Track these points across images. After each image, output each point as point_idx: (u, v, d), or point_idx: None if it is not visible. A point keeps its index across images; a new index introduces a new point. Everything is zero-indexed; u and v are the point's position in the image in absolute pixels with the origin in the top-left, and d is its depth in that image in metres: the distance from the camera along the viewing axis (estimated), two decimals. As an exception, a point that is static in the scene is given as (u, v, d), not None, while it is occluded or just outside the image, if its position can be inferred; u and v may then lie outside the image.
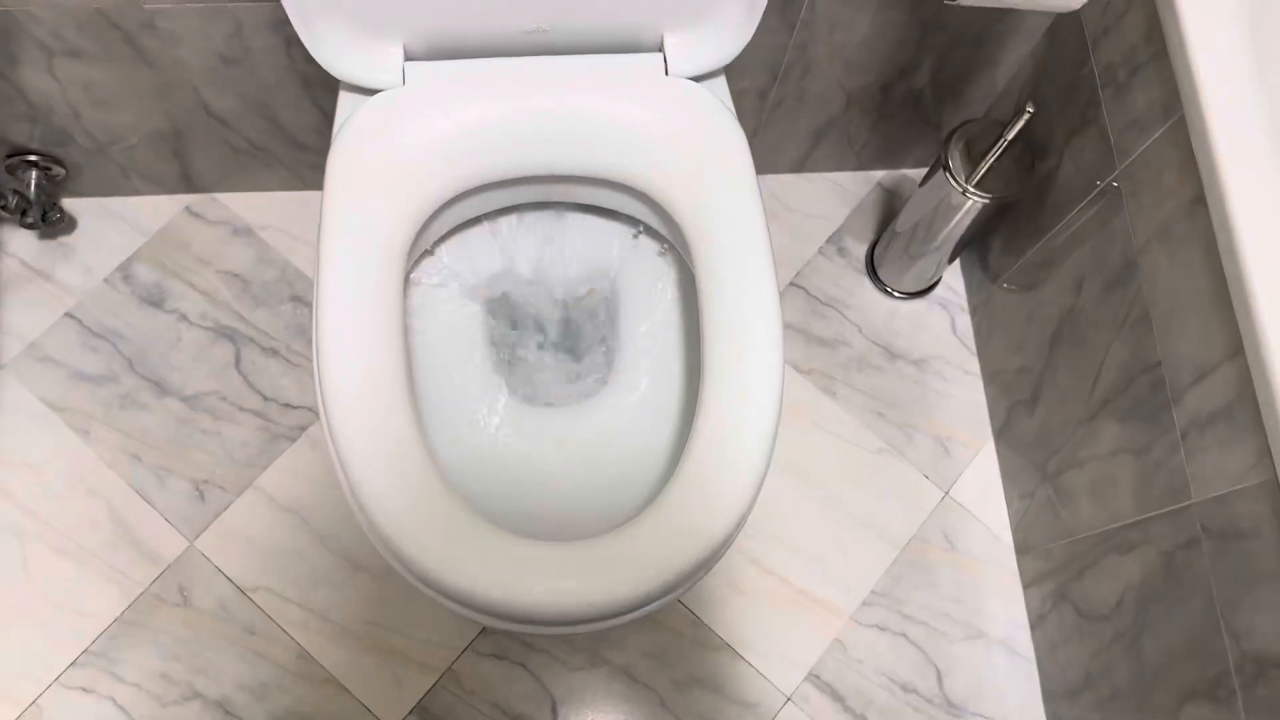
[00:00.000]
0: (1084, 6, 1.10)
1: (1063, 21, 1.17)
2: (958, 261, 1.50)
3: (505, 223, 1.10)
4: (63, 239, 1.41)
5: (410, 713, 1.23)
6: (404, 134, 0.95)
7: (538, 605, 0.80)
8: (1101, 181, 1.09)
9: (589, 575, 0.81)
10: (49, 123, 1.24)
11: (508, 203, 1.06)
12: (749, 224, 0.95)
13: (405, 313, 1.03)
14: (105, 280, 1.39)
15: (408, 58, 0.97)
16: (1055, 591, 1.24)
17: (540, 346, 1.12)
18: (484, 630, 1.27)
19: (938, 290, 1.49)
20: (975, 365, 1.45)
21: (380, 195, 0.93)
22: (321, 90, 1.22)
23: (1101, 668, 1.13)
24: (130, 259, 1.41)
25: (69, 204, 1.42)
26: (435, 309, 1.07)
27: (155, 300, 1.39)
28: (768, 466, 0.88)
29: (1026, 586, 1.32)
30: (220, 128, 1.28)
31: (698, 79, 1.00)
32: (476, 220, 1.09)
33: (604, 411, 1.06)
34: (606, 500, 1.01)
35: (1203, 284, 0.92)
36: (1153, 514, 1.02)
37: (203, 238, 1.43)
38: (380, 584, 1.28)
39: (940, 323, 1.47)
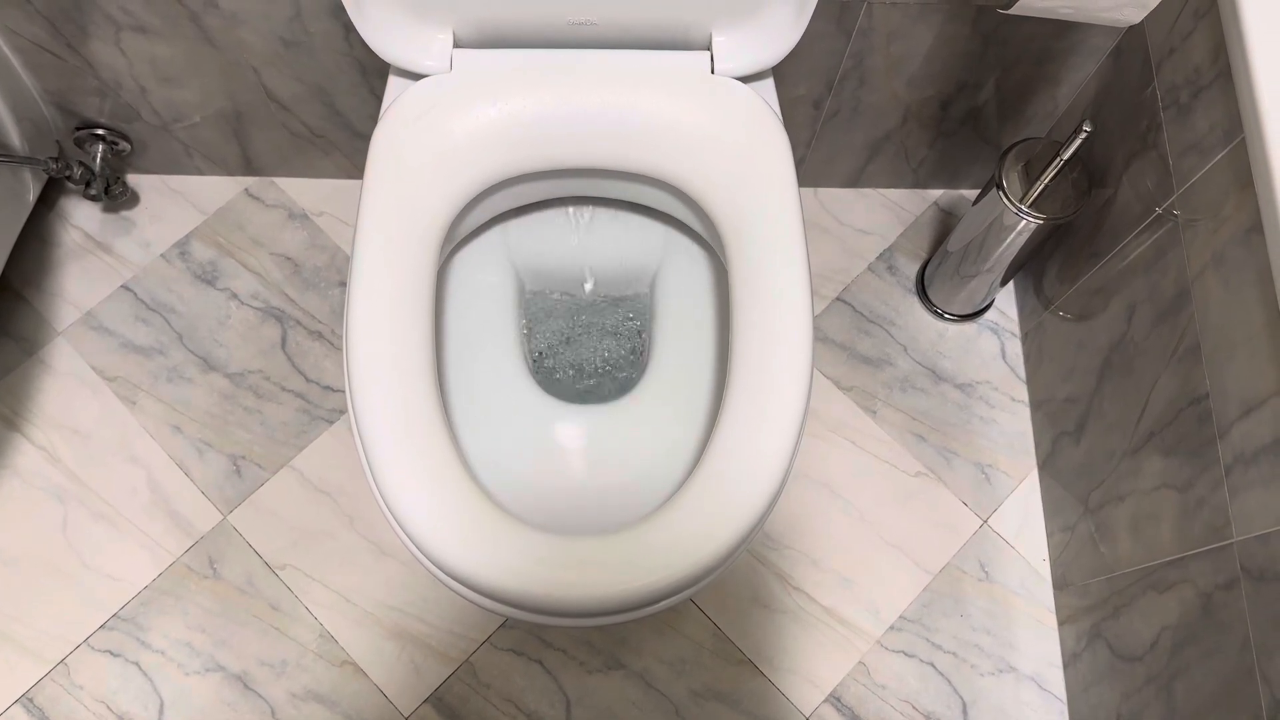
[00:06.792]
0: (1150, 26, 1.07)
1: (1128, 41, 1.13)
2: (1011, 286, 1.47)
3: (546, 215, 1.10)
4: (124, 213, 1.45)
5: (425, 701, 1.23)
6: (449, 119, 0.95)
7: (544, 596, 0.79)
8: (1159, 207, 1.06)
9: (592, 570, 0.80)
10: (117, 98, 1.27)
11: (549, 195, 1.06)
12: (786, 228, 0.93)
13: (438, 298, 1.04)
14: (162, 255, 1.43)
15: (456, 45, 0.97)
16: (1091, 629, 1.19)
17: (573, 341, 1.11)
18: (504, 625, 1.26)
19: (989, 314, 1.45)
20: (1023, 392, 1.41)
21: (421, 178, 0.94)
22: (378, 79, 1.24)
23: (1132, 711, 1.08)
24: (188, 236, 1.44)
25: (133, 179, 1.46)
26: (469, 297, 1.07)
27: (208, 278, 1.42)
28: (787, 474, 0.86)
29: (1062, 623, 1.28)
30: (280, 111, 1.30)
31: (745, 79, 0.99)
32: (517, 211, 1.10)
33: (632, 409, 1.05)
34: (629, 499, 1.00)
35: (1255, 314, 0.88)
36: (1193, 552, 0.98)
37: (259, 220, 1.46)
38: (405, 571, 1.29)
39: (990, 347, 1.44)
